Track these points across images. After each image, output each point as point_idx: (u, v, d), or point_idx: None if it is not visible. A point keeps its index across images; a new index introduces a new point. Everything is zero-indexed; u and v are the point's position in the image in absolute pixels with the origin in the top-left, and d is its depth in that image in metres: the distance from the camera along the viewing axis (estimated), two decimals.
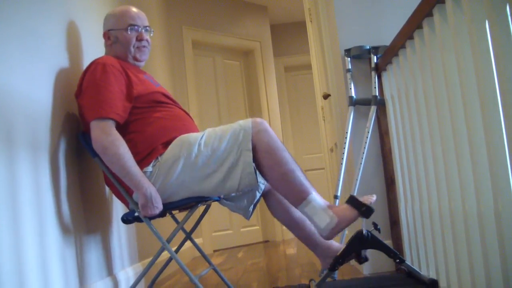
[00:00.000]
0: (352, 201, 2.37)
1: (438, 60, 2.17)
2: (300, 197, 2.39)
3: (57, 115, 2.40)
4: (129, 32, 2.71)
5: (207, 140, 2.46)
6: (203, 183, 2.44)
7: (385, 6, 3.32)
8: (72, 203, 2.43)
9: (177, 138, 2.52)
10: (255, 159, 2.43)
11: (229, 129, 2.46)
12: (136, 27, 2.73)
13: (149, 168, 2.47)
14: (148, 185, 2.41)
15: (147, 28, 2.79)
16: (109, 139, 2.39)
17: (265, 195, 2.77)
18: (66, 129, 2.49)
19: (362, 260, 2.45)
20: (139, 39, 2.74)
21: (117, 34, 2.72)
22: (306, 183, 2.41)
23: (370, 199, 2.37)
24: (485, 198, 1.80)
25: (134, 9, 2.78)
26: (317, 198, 2.39)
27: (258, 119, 2.47)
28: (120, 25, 2.72)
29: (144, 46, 2.77)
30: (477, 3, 1.76)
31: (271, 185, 2.50)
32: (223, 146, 2.42)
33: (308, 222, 2.61)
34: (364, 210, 2.33)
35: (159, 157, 2.49)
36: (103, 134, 2.40)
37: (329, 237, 2.38)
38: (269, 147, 2.39)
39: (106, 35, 2.76)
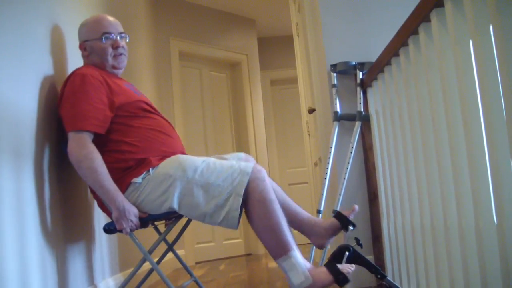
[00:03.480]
0: (331, 267, 2.35)
1: (422, 78, 2.19)
2: (281, 251, 2.36)
3: (41, 122, 2.39)
4: (103, 41, 2.68)
5: (204, 170, 2.44)
6: (187, 210, 2.44)
7: (372, 23, 3.35)
8: (54, 212, 2.42)
9: (175, 157, 2.52)
10: (246, 205, 2.41)
11: (229, 169, 2.43)
12: (111, 35, 2.69)
13: (139, 180, 2.46)
14: (121, 199, 2.41)
15: (122, 34, 2.75)
16: (83, 153, 2.39)
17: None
18: (50, 137, 2.48)
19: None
20: (115, 46, 2.70)
21: (92, 44, 2.69)
22: (290, 239, 2.38)
23: (349, 268, 2.36)
24: (466, 215, 1.82)
25: (107, 17, 2.75)
26: (297, 255, 2.36)
27: (259, 167, 2.45)
28: (94, 35, 2.69)
29: (120, 54, 2.72)
30: (461, 23, 1.78)
31: (255, 232, 2.45)
32: (217, 183, 2.40)
33: (291, 206, 2.64)
34: (341, 279, 2.30)
35: (150, 170, 2.48)
36: (77, 147, 2.40)
37: None
38: (262, 197, 2.37)
39: (82, 47, 2.73)
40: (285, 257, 2.35)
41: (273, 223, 2.37)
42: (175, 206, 2.43)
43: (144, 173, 2.48)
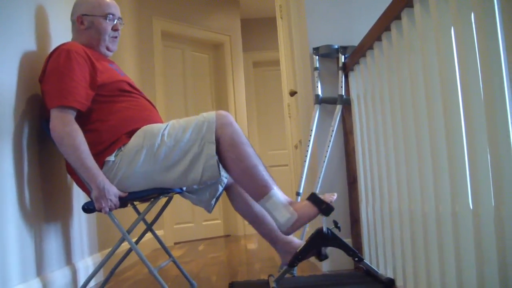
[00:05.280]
0: (313, 198, 2.39)
1: (404, 63, 2.20)
2: (261, 192, 2.39)
3: (21, 99, 2.37)
4: (107, 21, 2.69)
5: (170, 131, 2.45)
6: (166, 174, 2.44)
7: (355, 7, 3.34)
8: (33, 190, 2.41)
9: (141, 129, 2.51)
10: (218, 152, 2.42)
11: (193, 121, 2.46)
12: (113, 16, 2.72)
13: (112, 158, 2.46)
14: (102, 178, 2.40)
15: (120, 20, 2.78)
16: (66, 130, 2.38)
17: (227, 188, 2.77)
18: (30, 115, 2.46)
19: (322, 257, 2.48)
20: (114, 29, 2.73)
21: (93, 20, 2.68)
22: (268, 179, 2.41)
23: (331, 197, 2.39)
24: (443, 200, 1.84)
25: None
26: (278, 193, 2.40)
27: (223, 112, 2.47)
28: (97, 12, 2.68)
29: (116, 37, 2.76)
30: (444, 10, 1.79)
31: (233, 178, 2.51)
32: (186, 137, 2.42)
33: (268, 218, 2.62)
34: (324, 208, 2.35)
35: (122, 147, 2.48)
36: (60, 124, 2.38)
37: (288, 232, 2.40)
38: (233, 140, 2.39)
39: (80, 20, 2.70)
40: (266, 198, 2.38)
41: (249, 166, 2.39)
42: None
43: (116, 151, 2.47)
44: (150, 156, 2.43)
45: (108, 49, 2.74)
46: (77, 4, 2.74)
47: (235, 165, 2.41)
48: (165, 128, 2.47)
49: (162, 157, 2.42)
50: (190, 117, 2.52)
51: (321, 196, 2.39)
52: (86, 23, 2.69)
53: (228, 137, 2.40)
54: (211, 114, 2.45)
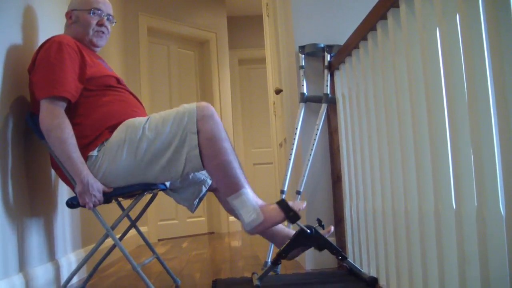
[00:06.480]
0: (282, 204, 2.39)
1: (389, 62, 2.21)
2: (232, 189, 2.40)
3: (6, 94, 2.35)
4: (91, 15, 2.70)
5: (151, 123, 2.45)
6: (148, 168, 2.43)
7: (342, 6, 3.36)
8: (17, 185, 2.39)
9: (123, 123, 2.51)
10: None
11: (173, 113, 2.45)
12: (99, 11, 2.72)
13: (95, 153, 2.45)
14: (86, 172, 2.40)
15: (110, 17, 2.79)
16: (55, 122, 2.37)
17: (215, 190, 2.78)
18: (14, 109, 2.45)
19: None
20: (100, 24, 2.73)
21: (79, 14, 2.71)
22: (241, 177, 2.42)
23: (300, 205, 2.40)
24: (426, 199, 1.85)
25: None
26: (249, 193, 2.40)
27: (204, 103, 2.46)
28: (84, 7, 2.71)
29: (102, 32, 2.75)
30: (429, 10, 1.80)
31: (207, 171, 2.50)
32: (167, 129, 2.41)
33: None
34: (291, 215, 2.36)
35: (105, 142, 2.47)
36: (50, 115, 2.38)
37: (251, 232, 2.41)
38: (212, 134, 2.38)
39: (69, 15, 2.74)
40: (236, 195, 2.39)
41: (224, 162, 2.39)
42: None
43: (99, 145, 2.47)
44: (132, 150, 2.42)
45: (92, 43, 2.74)
46: (72, 1, 2.78)
47: (210, 160, 2.40)
48: (146, 122, 2.47)
49: (144, 150, 2.41)
50: (171, 109, 2.52)
51: (291, 203, 2.40)
52: (73, 17, 2.72)
53: (207, 131, 2.39)
54: (192, 106, 2.44)
